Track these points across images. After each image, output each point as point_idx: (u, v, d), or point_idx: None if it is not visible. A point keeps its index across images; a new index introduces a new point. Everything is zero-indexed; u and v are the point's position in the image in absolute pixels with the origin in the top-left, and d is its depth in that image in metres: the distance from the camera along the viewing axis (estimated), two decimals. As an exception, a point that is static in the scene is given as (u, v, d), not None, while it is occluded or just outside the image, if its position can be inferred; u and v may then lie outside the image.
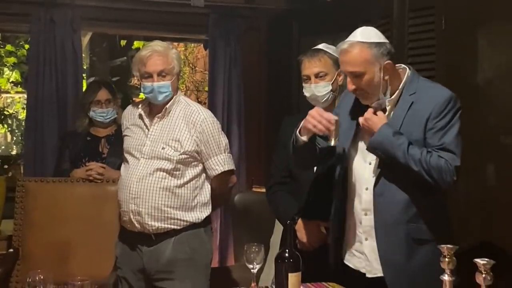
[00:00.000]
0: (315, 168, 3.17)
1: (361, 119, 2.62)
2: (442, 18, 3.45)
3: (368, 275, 2.72)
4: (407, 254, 2.61)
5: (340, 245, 2.84)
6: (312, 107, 3.24)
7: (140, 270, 3.16)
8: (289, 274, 2.35)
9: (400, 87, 2.64)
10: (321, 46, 3.25)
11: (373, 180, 2.66)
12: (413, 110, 2.59)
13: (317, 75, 3.14)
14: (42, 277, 2.25)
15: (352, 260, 2.80)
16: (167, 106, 3.17)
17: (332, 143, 2.66)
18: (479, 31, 3.31)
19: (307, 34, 4.84)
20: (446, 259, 1.90)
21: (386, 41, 2.62)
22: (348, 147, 2.75)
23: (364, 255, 2.73)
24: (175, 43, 7.78)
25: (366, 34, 2.61)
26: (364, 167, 2.71)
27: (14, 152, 8.84)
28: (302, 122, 2.73)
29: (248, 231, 4.18)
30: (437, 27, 3.49)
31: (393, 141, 2.54)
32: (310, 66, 3.16)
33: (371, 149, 2.61)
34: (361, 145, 2.73)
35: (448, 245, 1.91)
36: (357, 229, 2.75)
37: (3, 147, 9.35)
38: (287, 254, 2.38)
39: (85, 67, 6.21)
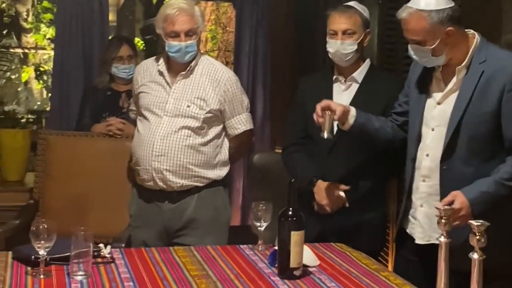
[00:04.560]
0: (335, 130, 3.14)
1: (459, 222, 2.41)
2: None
3: (418, 242, 2.71)
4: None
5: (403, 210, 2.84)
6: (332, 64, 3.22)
7: (159, 227, 3.18)
8: (292, 232, 2.34)
9: (469, 53, 2.58)
10: (352, 3, 3.20)
11: (434, 147, 2.64)
12: (485, 81, 2.53)
13: (344, 32, 3.10)
14: (46, 226, 2.27)
15: (408, 225, 2.80)
16: (191, 64, 3.16)
17: (324, 135, 2.74)
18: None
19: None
20: (443, 221, 1.87)
21: (449, 5, 2.53)
22: (419, 117, 2.71)
23: (417, 221, 2.72)
24: (209, 3, 7.75)
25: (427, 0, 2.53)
26: (426, 133, 2.69)
27: (49, 108, 8.93)
28: None
29: (268, 191, 4.17)
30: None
31: (487, 197, 2.49)
32: (339, 22, 3.11)
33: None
34: (425, 113, 2.70)
35: (446, 207, 1.88)
36: (414, 195, 2.74)
37: (38, 102, 9.46)
38: (290, 213, 2.37)
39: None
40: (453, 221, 2.27)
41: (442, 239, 1.87)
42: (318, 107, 2.76)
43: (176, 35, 3.09)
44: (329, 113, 2.73)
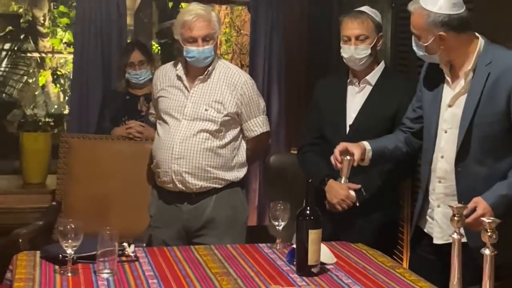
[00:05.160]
0: (347, 130, 3.22)
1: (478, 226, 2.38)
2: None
3: (436, 241, 2.76)
4: None
5: (419, 209, 2.89)
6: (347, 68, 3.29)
7: (179, 228, 3.26)
8: (310, 231, 2.43)
9: (474, 57, 2.64)
10: (363, 8, 3.27)
11: (448, 149, 2.69)
12: (492, 82, 2.59)
13: (358, 37, 3.17)
14: (73, 226, 2.36)
15: (425, 225, 2.86)
16: (209, 68, 3.24)
17: (341, 181, 2.83)
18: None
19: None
20: (456, 218, 1.94)
21: (450, 12, 2.59)
22: (434, 120, 2.76)
23: (435, 221, 2.78)
24: (223, 6, 7.82)
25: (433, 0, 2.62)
26: (440, 135, 2.75)
27: (66, 112, 9.04)
28: None
29: (283, 192, 4.24)
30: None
31: (506, 199, 2.53)
32: (352, 27, 3.18)
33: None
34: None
35: (458, 205, 1.95)
36: (431, 196, 2.80)
37: (56, 106, 9.57)
38: (308, 212, 2.45)
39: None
40: (478, 225, 2.32)
41: (455, 236, 1.95)
42: (337, 151, 2.83)
43: (193, 41, 3.17)
44: (348, 158, 2.80)
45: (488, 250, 1.81)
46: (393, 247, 3.43)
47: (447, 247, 2.46)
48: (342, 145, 2.85)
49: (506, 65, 2.57)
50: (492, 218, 1.79)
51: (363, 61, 3.19)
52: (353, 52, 3.17)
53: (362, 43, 3.17)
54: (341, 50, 3.22)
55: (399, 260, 3.86)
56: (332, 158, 2.87)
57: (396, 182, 3.32)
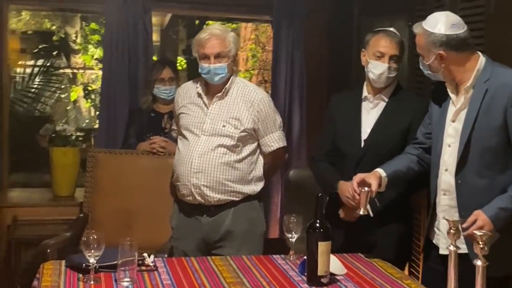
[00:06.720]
0: (362, 145, 3.31)
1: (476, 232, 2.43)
2: (492, 1, 3.50)
3: (442, 252, 2.85)
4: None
5: (429, 222, 3.00)
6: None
7: (199, 239, 3.38)
8: (319, 243, 2.53)
9: (473, 74, 2.76)
10: (394, 30, 3.31)
11: (452, 162, 2.80)
12: (489, 98, 2.70)
13: (392, 57, 3.21)
14: (95, 237, 2.50)
15: (434, 236, 2.96)
16: (226, 86, 3.36)
17: (360, 212, 2.90)
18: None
19: (367, 15, 4.95)
20: (452, 231, 2.04)
21: (449, 32, 2.72)
22: (441, 135, 2.87)
23: (441, 232, 2.88)
24: (249, 24, 7.99)
25: (431, 20, 2.77)
26: (444, 149, 2.86)
27: (97, 126, 9.25)
28: None
29: (304, 205, 4.34)
30: (487, 11, 3.54)
31: (505, 212, 2.63)
32: (391, 47, 3.22)
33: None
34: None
35: (454, 219, 2.05)
36: (437, 208, 2.91)
37: (87, 121, 9.79)
38: (318, 224, 2.56)
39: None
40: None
41: (451, 248, 2.05)
42: (354, 183, 2.93)
43: (206, 58, 3.31)
44: (366, 189, 2.89)
45: (480, 261, 1.90)
46: (407, 258, 3.50)
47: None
48: (359, 177, 2.94)
49: (503, 82, 2.69)
50: (483, 231, 1.89)
51: (390, 80, 3.26)
52: (385, 69, 3.20)
53: (395, 63, 3.23)
54: (371, 65, 3.23)
55: (416, 272, 3.94)
56: (350, 190, 2.97)
57: (408, 193, 3.34)
